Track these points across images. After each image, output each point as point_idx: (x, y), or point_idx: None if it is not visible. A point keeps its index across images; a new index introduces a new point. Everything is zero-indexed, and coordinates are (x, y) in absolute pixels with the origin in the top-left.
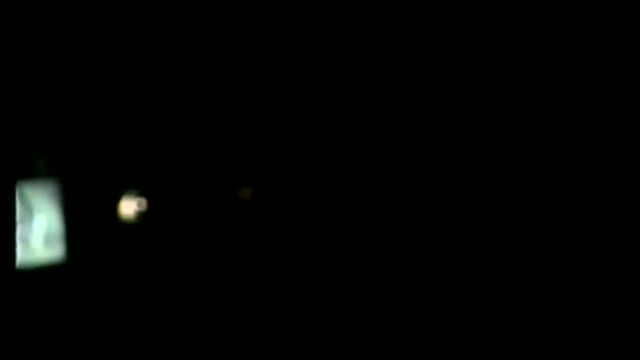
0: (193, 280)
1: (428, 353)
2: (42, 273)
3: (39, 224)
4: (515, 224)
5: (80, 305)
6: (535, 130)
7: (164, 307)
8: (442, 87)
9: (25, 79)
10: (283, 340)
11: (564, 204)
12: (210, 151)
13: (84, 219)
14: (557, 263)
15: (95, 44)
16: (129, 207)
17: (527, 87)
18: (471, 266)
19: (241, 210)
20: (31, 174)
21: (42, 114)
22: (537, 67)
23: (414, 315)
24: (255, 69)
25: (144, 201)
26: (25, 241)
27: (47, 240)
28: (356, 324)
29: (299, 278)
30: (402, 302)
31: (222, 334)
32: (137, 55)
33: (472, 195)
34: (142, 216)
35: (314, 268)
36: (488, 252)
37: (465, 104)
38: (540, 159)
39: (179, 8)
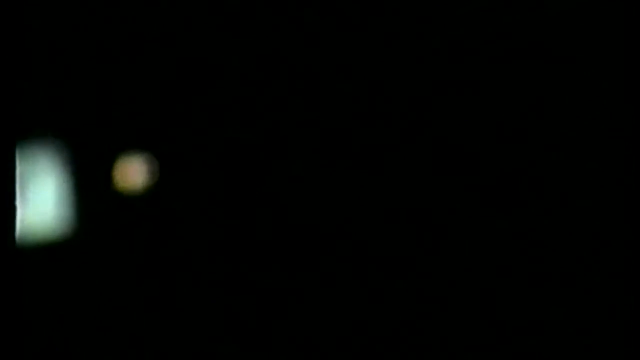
0: (203, 250)
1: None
2: (47, 239)
3: (45, 189)
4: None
5: (87, 274)
6: (533, 130)
7: (174, 276)
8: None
9: (31, 40)
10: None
11: (562, 204)
12: (222, 117)
13: (91, 184)
14: (556, 262)
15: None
16: (137, 173)
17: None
18: (469, 264)
19: (252, 179)
20: (38, 138)
21: (51, 76)
22: (535, 67)
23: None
24: (263, 38)
25: (153, 168)
26: (30, 206)
27: (54, 206)
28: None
29: (309, 246)
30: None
31: (233, 305)
32: (147, 18)
33: (470, 194)
34: (151, 183)
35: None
36: (485, 252)
37: (465, 103)
38: (539, 158)
39: None
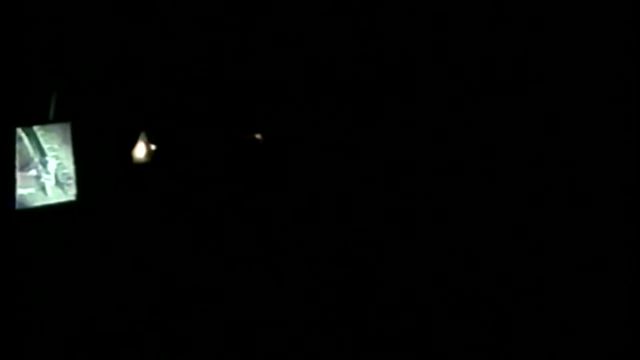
0: (203, 220)
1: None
2: (54, 212)
3: (51, 164)
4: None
5: (89, 243)
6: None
7: (175, 246)
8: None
9: (36, 22)
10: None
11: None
12: (221, 94)
13: (94, 159)
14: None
15: None
16: (139, 148)
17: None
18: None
19: (249, 152)
20: (43, 115)
21: (54, 57)
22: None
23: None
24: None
25: (153, 143)
26: (38, 181)
27: (59, 180)
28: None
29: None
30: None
31: (229, 266)
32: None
33: (472, 194)
34: (152, 157)
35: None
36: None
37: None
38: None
39: None
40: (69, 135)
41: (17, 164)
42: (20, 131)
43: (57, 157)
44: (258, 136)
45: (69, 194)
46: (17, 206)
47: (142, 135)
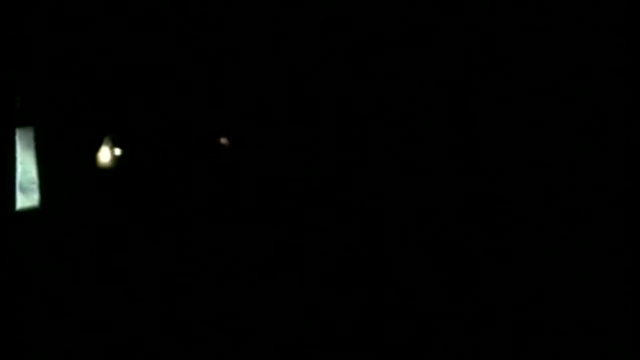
0: (169, 225)
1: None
2: (17, 219)
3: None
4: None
5: (53, 248)
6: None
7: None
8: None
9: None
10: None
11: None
12: (186, 98)
13: (58, 164)
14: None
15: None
16: (104, 153)
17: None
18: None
19: (215, 156)
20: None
21: (16, 60)
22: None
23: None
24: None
25: (118, 147)
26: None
27: (22, 186)
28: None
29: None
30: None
31: (196, 271)
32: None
33: (470, 195)
34: (118, 162)
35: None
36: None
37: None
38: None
39: None
40: (31, 139)
41: None
42: None
43: (20, 162)
44: (224, 140)
45: (32, 199)
46: None
47: (107, 139)
